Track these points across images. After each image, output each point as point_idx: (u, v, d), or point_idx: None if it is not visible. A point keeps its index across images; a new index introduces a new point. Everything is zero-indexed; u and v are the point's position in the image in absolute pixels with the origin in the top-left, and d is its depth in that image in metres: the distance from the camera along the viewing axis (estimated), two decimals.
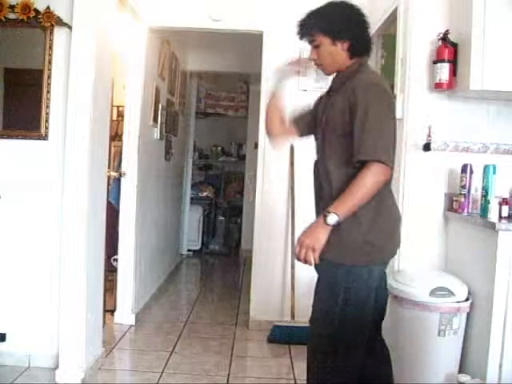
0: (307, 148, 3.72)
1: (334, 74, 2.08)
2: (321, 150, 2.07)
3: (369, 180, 1.82)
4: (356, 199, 1.82)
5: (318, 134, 2.09)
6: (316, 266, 1.96)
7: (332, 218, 1.81)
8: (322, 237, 1.83)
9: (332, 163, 1.97)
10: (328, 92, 2.11)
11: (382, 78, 2.08)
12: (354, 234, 1.90)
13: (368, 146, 1.83)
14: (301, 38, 2.06)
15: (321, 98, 2.17)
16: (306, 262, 1.85)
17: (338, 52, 1.99)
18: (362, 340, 2.02)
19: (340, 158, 1.95)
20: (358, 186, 1.82)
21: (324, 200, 1.99)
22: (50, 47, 2.81)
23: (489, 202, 2.50)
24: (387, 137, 1.89)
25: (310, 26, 1.99)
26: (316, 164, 2.09)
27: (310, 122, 2.18)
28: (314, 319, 2.05)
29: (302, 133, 2.23)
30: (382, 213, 1.95)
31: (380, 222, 1.94)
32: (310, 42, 2.03)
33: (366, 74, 1.98)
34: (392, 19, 3.14)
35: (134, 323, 3.82)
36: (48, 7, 2.77)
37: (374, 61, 3.64)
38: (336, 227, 1.84)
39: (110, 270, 3.88)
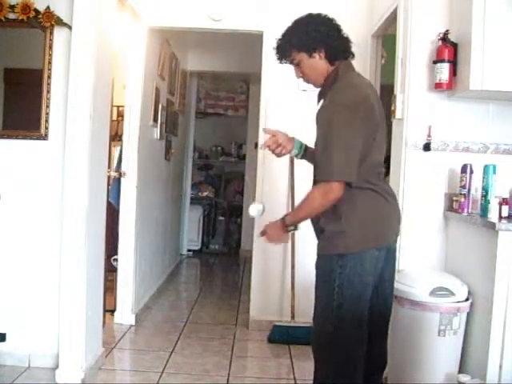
0: None
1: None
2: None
3: (316, 201, 1.97)
4: (304, 214, 2.05)
5: None
6: (315, 264, 2.09)
7: (288, 225, 2.07)
8: (281, 234, 2.11)
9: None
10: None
11: (355, 89, 2.04)
12: (337, 228, 2.01)
13: (322, 165, 1.95)
14: (281, 62, 2.15)
15: None
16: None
17: (318, 62, 2.07)
18: (361, 335, 2.05)
19: None
20: (307, 204, 2.01)
21: None
22: (50, 47, 2.81)
23: (489, 202, 2.50)
24: (345, 153, 1.93)
25: (284, 48, 2.09)
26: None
27: None
28: (314, 316, 2.11)
29: None
30: (360, 207, 2.02)
31: (358, 215, 2.01)
32: (291, 62, 2.12)
33: (340, 87, 2.02)
34: (392, 19, 3.14)
35: (133, 323, 3.82)
36: (48, 7, 2.77)
37: (374, 61, 3.64)
38: (321, 228, 2.06)
39: (110, 270, 3.88)
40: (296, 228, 2.10)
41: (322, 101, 2.10)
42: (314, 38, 2.03)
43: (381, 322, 2.17)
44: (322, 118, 1.99)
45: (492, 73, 2.49)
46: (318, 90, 2.20)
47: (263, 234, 2.14)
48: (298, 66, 2.10)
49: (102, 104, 2.96)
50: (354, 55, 2.14)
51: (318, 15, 2.09)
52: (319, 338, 2.09)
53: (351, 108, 1.94)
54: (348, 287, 1.99)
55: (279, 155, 2.24)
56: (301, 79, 2.16)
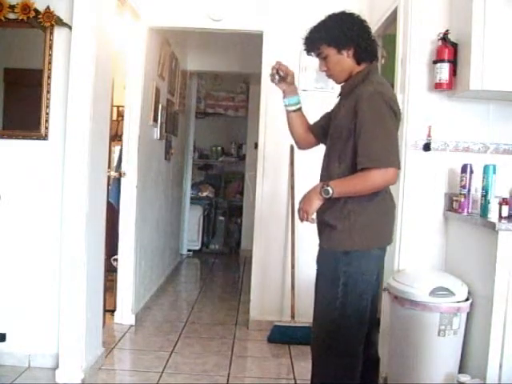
0: None
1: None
2: (327, 154, 2.16)
3: (376, 183, 1.95)
4: (354, 191, 1.99)
5: (327, 139, 2.18)
6: (317, 260, 2.11)
7: (327, 192, 1.97)
8: (314, 203, 2.01)
9: (335, 166, 2.07)
10: (340, 98, 2.19)
11: (387, 86, 2.10)
12: (344, 225, 2.02)
13: (377, 153, 1.92)
14: (308, 53, 2.15)
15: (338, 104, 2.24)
16: (302, 221, 2.06)
17: (344, 60, 2.08)
18: (361, 333, 2.07)
19: (344, 162, 2.03)
20: (362, 182, 1.95)
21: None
22: (50, 47, 2.81)
23: (489, 202, 2.49)
24: (394, 142, 1.97)
25: (315, 40, 2.09)
26: (322, 168, 2.18)
27: (324, 126, 2.26)
28: (316, 313, 2.12)
29: (318, 137, 2.33)
30: (369, 206, 2.03)
31: (366, 214, 2.02)
32: (318, 55, 2.13)
33: (372, 83, 2.03)
34: (392, 19, 3.14)
35: (133, 323, 3.82)
36: (48, 7, 2.77)
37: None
38: (327, 223, 2.05)
39: (110, 270, 3.88)
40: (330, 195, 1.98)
41: (344, 95, 2.12)
42: (345, 36, 2.05)
43: (372, 316, 2.20)
44: (366, 107, 1.95)
45: (492, 73, 2.49)
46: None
47: (299, 208, 2.07)
48: (324, 59, 2.11)
49: (102, 104, 2.96)
50: (378, 59, 2.17)
51: (353, 14, 2.10)
52: (320, 336, 2.10)
53: (389, 103, 1.98)
54: (352, 286, 2.01)
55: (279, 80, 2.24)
56: (323, 73, 2.17)
